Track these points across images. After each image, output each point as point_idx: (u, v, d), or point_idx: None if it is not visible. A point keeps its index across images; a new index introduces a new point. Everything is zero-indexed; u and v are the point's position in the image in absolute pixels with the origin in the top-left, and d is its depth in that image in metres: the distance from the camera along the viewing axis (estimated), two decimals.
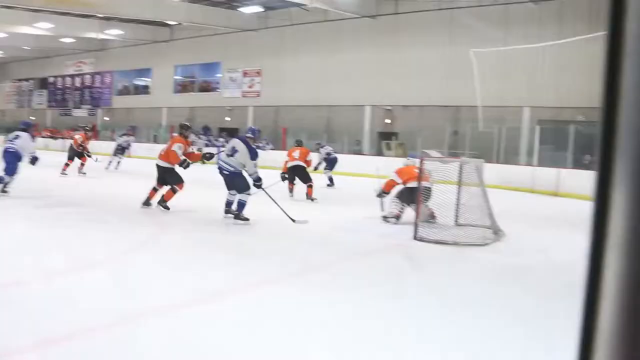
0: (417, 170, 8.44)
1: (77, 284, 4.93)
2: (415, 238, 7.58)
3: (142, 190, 9.80)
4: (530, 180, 16.25)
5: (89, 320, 3.89)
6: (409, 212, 8.73)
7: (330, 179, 15.30)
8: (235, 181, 8.50)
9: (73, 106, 39.29)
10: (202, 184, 12.66)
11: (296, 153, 12.61)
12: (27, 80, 42.56)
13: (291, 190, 12.25)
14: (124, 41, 33.38)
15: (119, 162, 20.02)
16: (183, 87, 32.55)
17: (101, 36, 31.20)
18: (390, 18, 23.77)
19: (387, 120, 24.11)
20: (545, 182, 15.59)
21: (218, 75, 30.63)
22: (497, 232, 7.97)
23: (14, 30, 29.53)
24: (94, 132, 34.79)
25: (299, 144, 13.67)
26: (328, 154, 16.06)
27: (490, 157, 18.25)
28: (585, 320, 0.46)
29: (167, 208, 9.34)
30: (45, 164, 14.39)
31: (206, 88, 31.36)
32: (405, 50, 23.45)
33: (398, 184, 9.11)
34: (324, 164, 15.67)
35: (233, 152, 8.51)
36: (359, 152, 23.37)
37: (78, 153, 16.43)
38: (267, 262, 6.18)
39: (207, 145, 26.12)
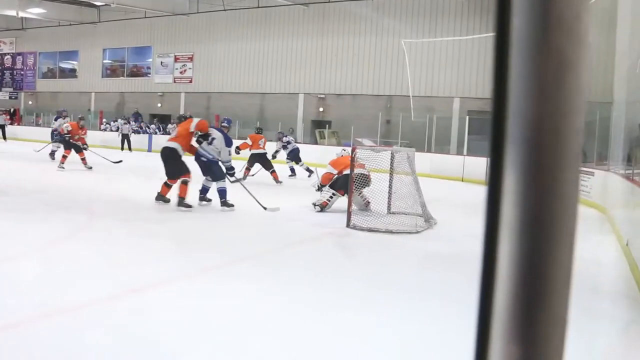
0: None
1: (8, 272, 4.70)
2: (348, 226, 7.64)
3: (73, 178, 9.43)
4: (461, 169, 16.70)
5: (13, 314, 3.71)
6: (343, 201, 8.78)
7: (292, 169, 15.32)
8: (212, 168, 8.93)
9: None
10: (135, 171, 12.32)
11: (262, 141, 13.67)
12: None
13: (245, 177, 12.74)
14: (48, 21, 31.91)
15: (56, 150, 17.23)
16: (112, 71, 31.49)
17: (22, 14, 29.68)
18: (323, 6, 23.80)
19: (320, 109, 24.19)
20: (475, 171, 16.05)
21: (149, 59, 29.81)
22: (428, 220, 8.14)
23: None
24: (17, 117, 33.37)
25: (259, 131, 14.59)
26: (288, 142, 15.78)
27: (422, 146, 18.65)
28: (482, 303, 0.50)
29: (189, 206, 8.50)
30: None
31: (137, 73, 30.45)
32: (338, 39, 23.55)
33: (334, 175, 9.12)
34: (281, 152, 15.44)
35: (211, 140, 8.99)
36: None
37: (70, 143, 14.43)
38: (198, 253, 6.08)
39: (137, 132, 25.44)
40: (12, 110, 34.44)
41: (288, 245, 6.70)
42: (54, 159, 16.26)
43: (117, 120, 26.74)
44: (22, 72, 35.61)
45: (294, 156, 15.41)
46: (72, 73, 33.56)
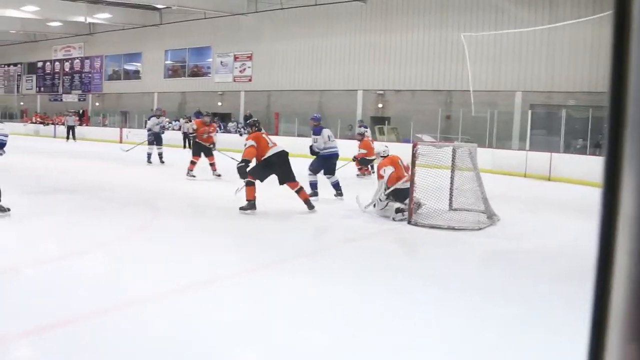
0: (400, 164, 8.39)
1: (68, 271, 4.90)
2: (409, 223, 7.58)
3: (136, 176, 9.72)
4: (523, 164, 16.28)
5: (81, 308, 3.87)
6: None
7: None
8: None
9: (63, 91, 38.95)
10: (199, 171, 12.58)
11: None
12: (15, 64, 42.09)
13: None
14: (113, 25, 33.06)
15: (160, 154, 15.90)
16: (174, 72, 32.29)
17: (89, 20, 30.85)
18: (382, 1, 23.64)
19: (379, 105, 24.06)
20: (538, 166, 15.62)
21: (209, 59, 30.40)
22: (491, 217, 7.98)
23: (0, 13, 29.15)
24: (85, 118, 34.67)
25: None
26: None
27: (483, 141, 18.27)
28: (596, 306, 0.45)
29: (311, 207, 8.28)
30: (38, 150, 14.30)
31: (197, 73, 31.12)
32: (397, 34, 23.36)
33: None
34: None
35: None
36: (351, 137, 23.31)
37: (200, 146, 12.63)
38: (263, 249, 6.17)
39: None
40: (80, 111, 35.85)
41: (348, 241, 6.71)
42: (150, 162, 15.45)
43: (178, 120, 27.38)
44: (90, 75, 37.00)
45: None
46: (135, 74, 34.61)
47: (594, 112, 17.07)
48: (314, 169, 9.85)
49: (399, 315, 4.04)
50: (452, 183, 8.59)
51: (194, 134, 12.50)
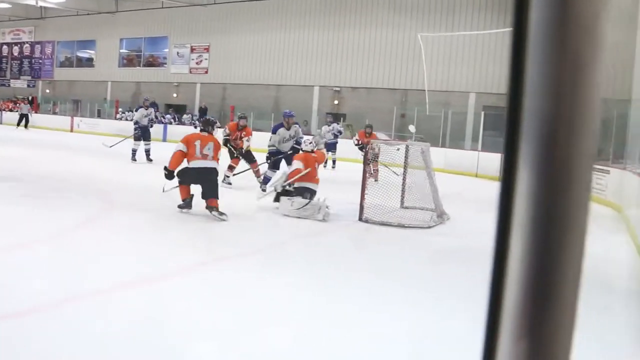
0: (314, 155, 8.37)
1: (12, 263, 4.76)
2: (360, 219, 7.64)
3: (88, 166, 9.49)
4: (475, 164, 16.61)
5: (25, 301, 3.76)
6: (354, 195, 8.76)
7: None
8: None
9: (11, 76, 37.69)
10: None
11: None
12: None
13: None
14: (66, 10, 32.16)
15: (147, 150, 14.19)
16: (129, 61, 31.66)
17: (40, 3, 29.91)
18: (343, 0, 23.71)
19: (335, 102, 24.15)
20: (489, 166, 15.96)
21: (165, 50, 29.91)
22: (441, 215, 8.11)
23: None
24: (34, 105, 33.66)
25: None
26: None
27: (437, 141, 18.55)
28: (492, 299, 0.51)
29: (223, 214, 7.22)
30: None
31: (153, 63, 30.58)
32: (355, 31, 23.49)
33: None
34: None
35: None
36: (307, 133, 23.34)
37: (238, 152, 10.91)
38: (217, 244, 6.13)
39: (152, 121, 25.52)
40: (30, 98, 34.77)
41: (300, 237, 6.72)
42: (135, 159, 13.84)
43: (132, 111, 26.85)
44: (41, 61, 35.92)
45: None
46: (89, 62, 33.79)
47: None
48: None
49: (345, 307, 4.07)
50: (404, 181, 8.70)
51: (228, 138, 10.90)
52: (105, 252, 5.29)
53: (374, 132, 14.39)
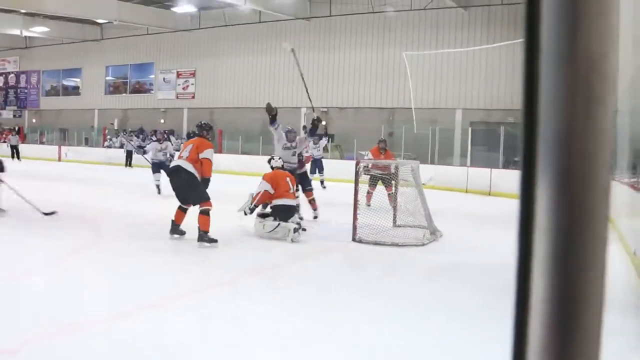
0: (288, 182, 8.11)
1: (5, 295, 4.70)
2: (354, 240, 7.63)
3: (77, 196, 9.41)
4: (464, 180, 16.67)
5: (20, 333, 3.70)
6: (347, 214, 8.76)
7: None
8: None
9: None
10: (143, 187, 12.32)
11: None
12: None
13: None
14: (51, 39, 32.13)
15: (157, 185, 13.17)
16: (115, 88, 31.65)
17: (25, 33, 29.88)
18: (324, 20, 23.93)
19: (323, 122, 24.20)
20: (479, 182, 16.03)
21: (151, 76, 29.96)
22: (434, 233, 8.11)
23: None
24: (21, 135, 33.47)
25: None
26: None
27: (426, 158, 18.62)
28: (518, 315, 0.52)
29: (214, 241, 6.96)
30: None
31: (139, 89, 30.60)
32: (340, 53, 23.70)
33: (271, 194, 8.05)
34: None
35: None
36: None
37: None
38: (211, 269, 6.08)
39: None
40: (16, 128, 34.58)
41: (294, 259, 6.68)
42: (160, 192, 12.75)
43: (119, 136, 26.77)
44: (26, 91, 35.81)
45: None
46: (75, 90, 33.74)
47: None
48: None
49: (344, 330, 4.04)
50: (395, 200, 8.71)
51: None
52: (96, 281, 5.24)
53: (388, 149, 12.21)
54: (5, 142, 28.96)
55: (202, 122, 7.89)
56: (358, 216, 7.77)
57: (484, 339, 3.95)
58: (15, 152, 26.73)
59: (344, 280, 5.79)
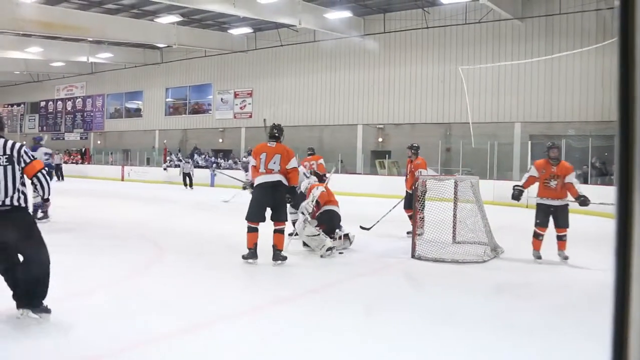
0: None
1: (73, 312, 4.87)
2: (413, 256, 7.56)
3: (139, 214, 9.71)
4: (525, 195, 16.23)
5: (86, 351, 3.84)
6: (400, 229, 8.71)
7: None
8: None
9: (65, 130, 39.25)
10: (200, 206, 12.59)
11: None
12: (18, 104, 42.49)
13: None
14: (114, 64, 33.49)
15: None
16: (175, 109, 32.59)
17: (92, 60, 31.27)
18: (379, 37, 23.97)
19: (380, 139, 24.19)
20: None
21: (209, 96, 30.70)
22: (495, 249, 7.96)
23: (5, 55, 29.56)
24: (87, 156, 34.84)
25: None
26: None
27: (484, 173, 18.31)
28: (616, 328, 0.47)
29: (286, 258, 6.99)
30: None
31: (198, 110, 31.40)
32: (395, 69, 23.68)
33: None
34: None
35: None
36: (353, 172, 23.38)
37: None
38: (268, 286, 6.15)
39: (200, 166, 26.02)
40: (83, 149, 36.08)
41: (354, 277, 6.67)
42: None
43: (176, 154, 27.46)
44: (92, 114, 37.36)
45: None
46: (137, 112, 34.93)
47: (594, 142, 17.13)
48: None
49: (405, 350, 4.00)
50: (455, 216, 8.59)
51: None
52: (161, 298, 5.36)
53: (420, 156, 10.35)
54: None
55: (278, 124, 7.55)
56: (417, 233, 7.70)
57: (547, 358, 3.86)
58: (58, 172, 27.18)
59: (404, 298, 5.74)
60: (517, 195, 7.97)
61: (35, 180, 4.44)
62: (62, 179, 26.58)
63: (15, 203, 4.23)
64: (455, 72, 20.39)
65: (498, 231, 8.51)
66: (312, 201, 8.10)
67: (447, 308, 5.24)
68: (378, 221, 9.65)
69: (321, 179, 10.20)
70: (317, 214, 8.19)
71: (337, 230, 8.14)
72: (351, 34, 24.13)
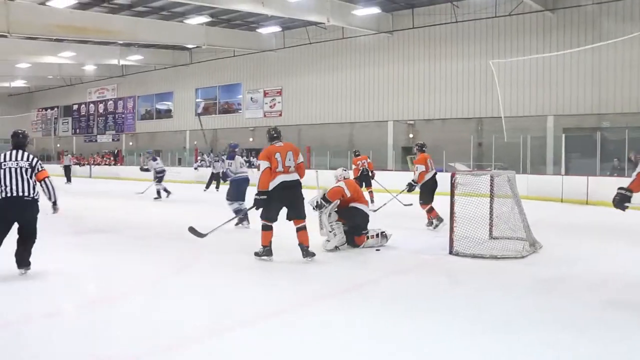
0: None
1: (113, 312, 4.99)
2: (451, 253, 7.53)
3: (171, 215, 9.83)
4: (559, 189, 16.06)
5: (128, 349, 3.94)
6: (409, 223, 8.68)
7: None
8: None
9: (97, 132, 39.94)
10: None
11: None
12: (51, 108, 43.40)
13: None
14: (144, 66, 33.98)
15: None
16: (205, 109, 32.91)
17: (122, 62, 31.79)
18: (407, 33, 23.87)
19: (410, 135, 24.09)
20: (575, 190, 15.41)
21: (239, 96, 30.93)
22: (533, 244, 7.89)
23: (39, 60, 30.23)
24: (119, 158, 35.41)
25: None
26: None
27: (517, 167, 18.11)
28: None
29: (314, 254, 7.13)
30: (75, 192, 14.47)
31: (228, 109, 31.67)
32: (424, 64, 23.59)
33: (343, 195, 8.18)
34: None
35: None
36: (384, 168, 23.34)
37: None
38: (307, 283, 6.19)
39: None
40: (115, 151, 36.69)
41: (391, 273, 6.68)
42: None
43: (209, 155, 27.67)
44: (123, 116, 37.95)
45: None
46: (167, 113, 35.36)
47: (630, 133, 16.82)
48: (231, 197, 10.36)
49: (448, 348, 4.01)
50: (491, 211, 8.53)
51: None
52: (193, 300, 5.43)
53: (426, 153, 10.47)
54: (84, 163, 30.29)
55: (274, 127, 7.86)
56: (455, 228, 7.67)
57: (600, 355, 3.83)
58: (68, 174, 26.80)
59: (444, 294, 5.73)
60: (622, 200, 5.19)
61: (42, 184, 6.16)
62: (70, 181, 26.32)
63: (35, 197, 6.07)
64: (485, 66, 20.22)
65: (533, 226, 8.41)
66: (322, 195, 8.09)
67: (488, 305, 5.21)
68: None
69: (370, 177, 13.54)
70: (342, 208, 8.15)
71: (369, 229, 8.14)
72: (379, 30, 24.07)
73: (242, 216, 9.91)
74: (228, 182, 10.82)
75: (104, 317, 4.81)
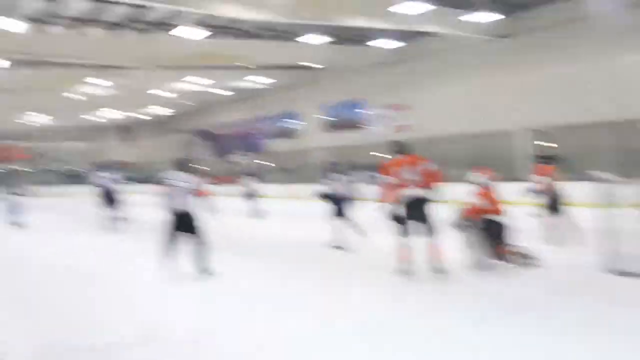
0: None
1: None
2: (610, 271, 6.97)
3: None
4: None
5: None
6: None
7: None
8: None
9: (232, 153, 42.06)
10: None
11: None
12: (187, 132, 46.37)
13: None
14: (269, 87, 35.47)
15: None
16: (331, 127, 33.48)
17: (247, 84, 33.45)
18: (531, 35, 22.82)
19: (546, 143, 22.84)
20: None
21: (365, 111, 31.20)
22: None
23: (174, 87, 32.65)
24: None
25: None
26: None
27: None
28: None
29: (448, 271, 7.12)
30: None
31: (354, 125, 31.95)
32: (554, 68, 22.32)
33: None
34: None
35: None
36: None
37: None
38: (458, 304, 6.08)
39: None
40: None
41: (548, 294, 6.34)
42: None
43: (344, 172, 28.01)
44: (253, 136, 39.76)
45: None
46: (295, 132, 36.48)
47: None
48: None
49: None
50: None
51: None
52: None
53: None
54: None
55: (397, 140, 7.98)
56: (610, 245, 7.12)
57: None
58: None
59: (609, 319, 5.31)
60: None
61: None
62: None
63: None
64: (631, 63, 18.69)
65: None
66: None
67: None
68: None
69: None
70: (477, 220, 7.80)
71: (510, 245, 7.72)
72: (500, 35, 23.31)
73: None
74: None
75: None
